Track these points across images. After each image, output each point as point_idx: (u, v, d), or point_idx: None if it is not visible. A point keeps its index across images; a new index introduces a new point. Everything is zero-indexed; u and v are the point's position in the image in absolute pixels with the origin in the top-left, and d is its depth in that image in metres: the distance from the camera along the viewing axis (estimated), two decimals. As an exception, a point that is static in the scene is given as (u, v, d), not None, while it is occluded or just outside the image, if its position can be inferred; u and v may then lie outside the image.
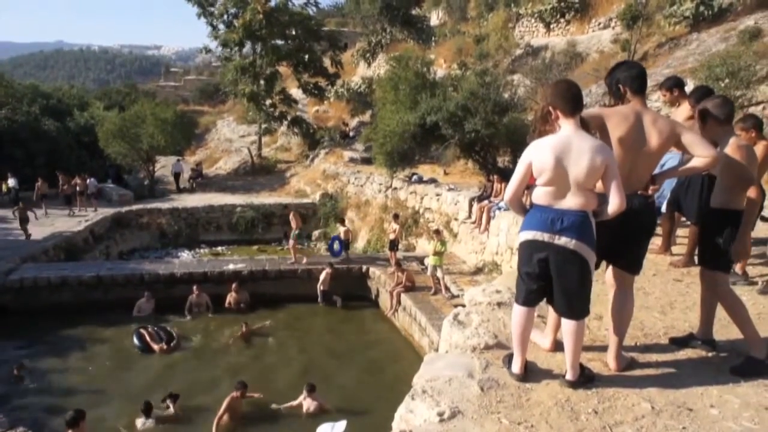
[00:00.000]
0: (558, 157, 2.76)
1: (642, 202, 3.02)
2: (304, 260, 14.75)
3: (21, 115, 24.36)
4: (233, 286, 13.40)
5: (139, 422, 8.53)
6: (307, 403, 8.83)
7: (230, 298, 13.34)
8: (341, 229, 15.15)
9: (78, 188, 20.12)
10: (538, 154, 2.82)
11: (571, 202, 2.79)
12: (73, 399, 9.25)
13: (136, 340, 11.28)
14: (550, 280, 2.89)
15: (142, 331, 11.40)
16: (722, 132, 3.50)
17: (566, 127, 2.82)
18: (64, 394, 9.59)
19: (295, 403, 8.94)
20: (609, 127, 2.97)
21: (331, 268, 13.66)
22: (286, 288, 13.89)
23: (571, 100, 2.81)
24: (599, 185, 2.84)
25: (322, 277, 13.59)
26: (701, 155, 2.98)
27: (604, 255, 3.09)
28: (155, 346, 11.12)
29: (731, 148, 3.38)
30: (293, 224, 14.66)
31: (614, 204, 2.77)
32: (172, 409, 8.77)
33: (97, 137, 24.91)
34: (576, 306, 2.88)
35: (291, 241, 14.77)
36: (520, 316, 2.97)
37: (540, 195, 2.87)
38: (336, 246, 14.85)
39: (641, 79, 3.07)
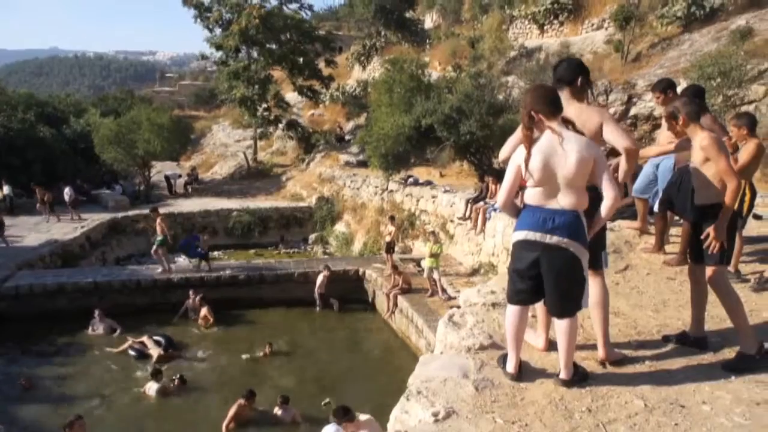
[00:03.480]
0: (545, 158, 2.80)
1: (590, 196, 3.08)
2: (173, 267, 14.38)
3: (16, 123, 24.33)
4: (191, 293, 13.10)
5: (148, 385, 9.74)
6: (281, 415, 8.82)
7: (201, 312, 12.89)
8: (203, 237, 15.15)
9: (46, 199, 19.81)
10: (525, 156, 2.87)
11: (563, 201, 2.84)
12: (71, 405, 9.26)
13: (132, 352, 11.25)
14: (542, 280, 2.92)
15: (135, 345, 11.32)
16: (693, 128, 3.53)
17: (551, 127, 2.86)
18: (61, 401, 9.57)
19: (271, 414, 8.90)
20: None
21: (327, 271, 13.65)
22: (282, 292, 13.88)
23: (551, 103, 2.88)
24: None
25: (318, 280, 13.57)
26: (621, 146, 3.12)
27: None
28: (153, 353, 11.07)
29: (704, 142, 3.40)
30: (158, 230, 14.04)
31: (609, 197, 2.86)
32: (175, 383, 9.85)
33: (92, 144, 24.88)
34: (567, 305, 2.91)
35: (154, 247, 14.17)
36: (513, 315, 3.01)
37: (531, 195, 2.91)
38: (193, 249, 14.54)
39: (560, 75, 3.24)
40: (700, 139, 3.39)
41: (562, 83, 3.22)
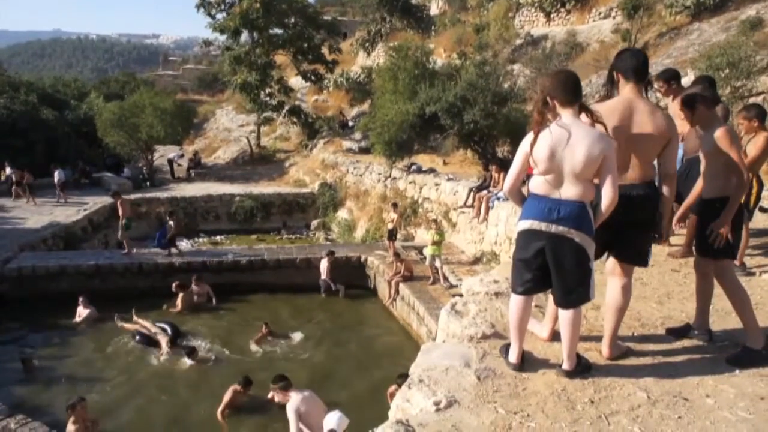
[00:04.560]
0: (553, 147, 2.75)
1: (640, 193, 3.01)
2: (134, 251, 14.13)
3: (19, 105, 24.28)
4: (194, 278, 12.98)
5: (182, 362, 10.17)
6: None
7: (192, 293, 12.72)
8: (170, 223, 14.61)
9: (25, 181, 19.72)
10: (536, 144, 2.82)
11: (569, 192, 2.79)
12: (73, 386, 9.31)
13: (138, 337, 11.06)
14: (547, 270, 2.89)
15: (142, 330, 11.12)
16: (710, 117, 3.48)
17: (565, 116, 2.80)
18: (63, 382, 9.61)
19: (267, 399, 8.82)
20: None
21: (330, 256, 13.61)
22: (285, 277, 13.88)
23: (570, 91, 2.80)
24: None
25: (323, 267, 13.54)
26: (667, 172, 3.11)
27: (604, 245, 3.10)
28: (161, 341, 10.76)
29: (718, 134, 3.35)
30: (121, 214, 13.77)
31: (607, 197, 2.78)
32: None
33: (95, 127, 24.83)
34: (572, 295, 2.88)
35: (120, 232, 13.89)
36: (517, 305, 2.98)
37: (538, 184, 2.87)
38: (159, 241, 14.37)
39: (636, 68, 3.04)
40: (715, 129, 3.34)
41: (635, 76, 3.04)
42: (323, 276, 13.50)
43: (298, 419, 6.36)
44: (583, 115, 2.83)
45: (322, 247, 16.16)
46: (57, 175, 19.81)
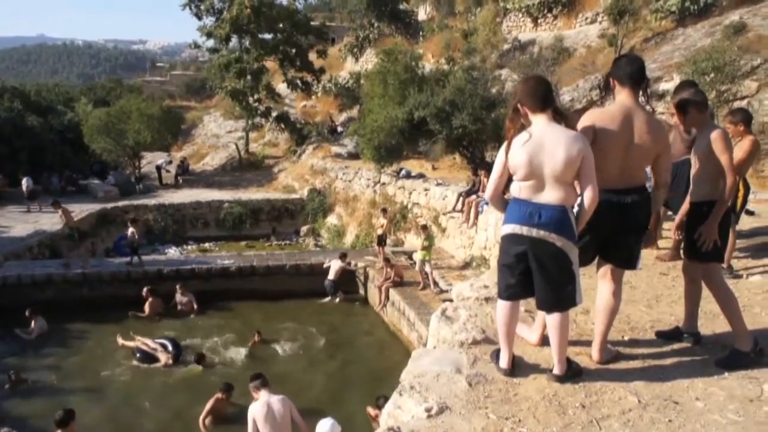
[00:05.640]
0: (531, 152, 2.75)
1: (635, 198, 3.02)
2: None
3: (3, 111, 24.05)
4: (178, 287, 12.93)
5: (190, 367, 10.30)
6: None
7: (159, 300, 12.63)
8: (130, 230, 14.12)
9: None
10: (511, 151, 2.83)
11: (550, 196, 2.79)
12: (61, 398, 9.14)
13: (138, 354, 10.72)
14: (531, 274, 2.89)
15: (141, 346, 10.77)
16: (702, 120, 3.50)
17: (538, 122, 2.81)
18: (51, 393, 9.47)
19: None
20: (598, 130, 2.96)
21: (342, 259, 13.51)
22: (274, 284, 13.81)
23: (539, 97, 2.81)
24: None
25: (333, 268, 13.38)
26: (661, 181, 3.12)
27: (597, 250, 3.11)
28: (161, 358, 10.51)
29: (714, 137, 3.36)
30: (65, 220, 13.76)
31: (588, 197, 2.77)
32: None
33: (81, 134, 24.63)
34: (555, 299, 2.87)
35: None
36: (503, 310, 2.97)
37: (519, 189, 2.87)
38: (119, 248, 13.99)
39: (631, 74, 3.02)
40: (709, 132, 3.35)
41: (631, 82, 3.01)
42: (331, 277, 13.42)
43: (252, 426, 6.32)
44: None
45: (312, 253, 16.10)
46: (25, 183, 19.44)
